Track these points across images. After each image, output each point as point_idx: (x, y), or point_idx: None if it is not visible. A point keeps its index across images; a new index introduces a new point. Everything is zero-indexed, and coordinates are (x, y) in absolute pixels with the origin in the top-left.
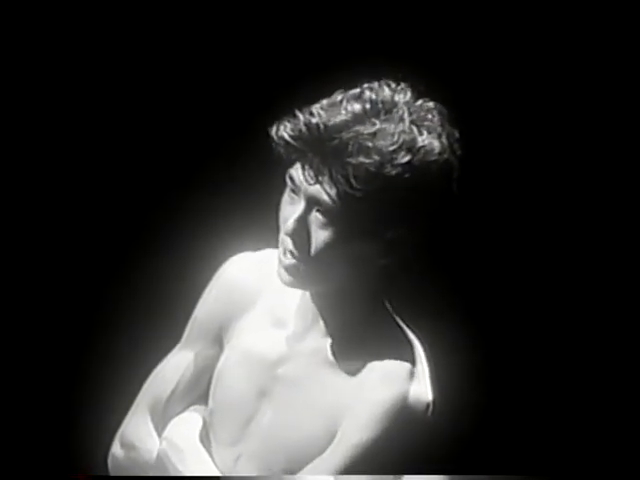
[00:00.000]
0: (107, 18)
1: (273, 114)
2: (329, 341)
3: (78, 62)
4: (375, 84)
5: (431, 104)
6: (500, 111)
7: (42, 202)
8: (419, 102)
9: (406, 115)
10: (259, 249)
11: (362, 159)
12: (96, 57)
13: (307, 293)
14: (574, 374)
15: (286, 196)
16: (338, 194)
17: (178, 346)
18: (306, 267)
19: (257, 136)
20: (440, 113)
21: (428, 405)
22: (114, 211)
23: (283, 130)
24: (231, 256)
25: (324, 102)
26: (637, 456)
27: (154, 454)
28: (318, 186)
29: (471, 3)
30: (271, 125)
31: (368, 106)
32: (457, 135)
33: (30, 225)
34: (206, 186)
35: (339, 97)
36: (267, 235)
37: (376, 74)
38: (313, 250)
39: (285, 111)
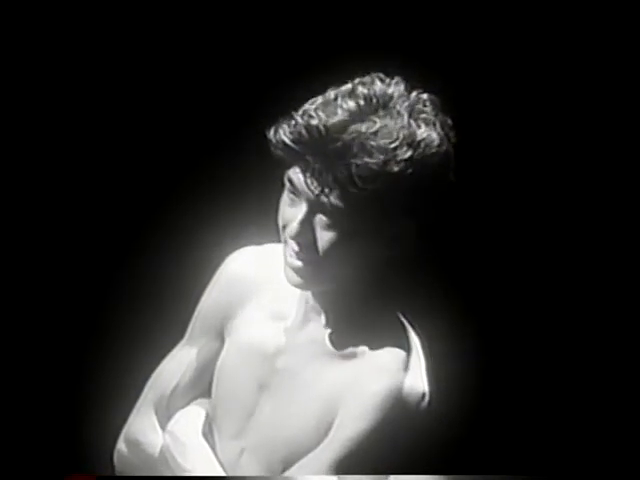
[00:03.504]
0: (104, 14)
1: (270, 110)
2: (327, 333)
3: (77, 59)
4: (367, 78)
5: (424, 95)
6: (492, 100)
7: (43, 200)
8: (413, 94)
9: (403, 109)
10: (260, 244)
11: (366, 159)
12: (94, 52)
13: None
14: (572, 372)
15: (285, 197)
16: (342, 195)
17: (182, 342)
18: (314, 268)
19: (255, 132)
20: (433, 103)
21: (423, 396)
22: (115, 209)
23: (282, 134)
24: (233, 252)
25: (318, 101)
26: (637, 456)
27: (158, 448)
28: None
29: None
30: (268, 123)
31: (362, 103)
32: (450, 122)
33: (31, 224)
34: (206, 183)
35: (332, 94)
36: (267, 230)
37: (366, 67)
38: (320, 251)
39: (280, 108)
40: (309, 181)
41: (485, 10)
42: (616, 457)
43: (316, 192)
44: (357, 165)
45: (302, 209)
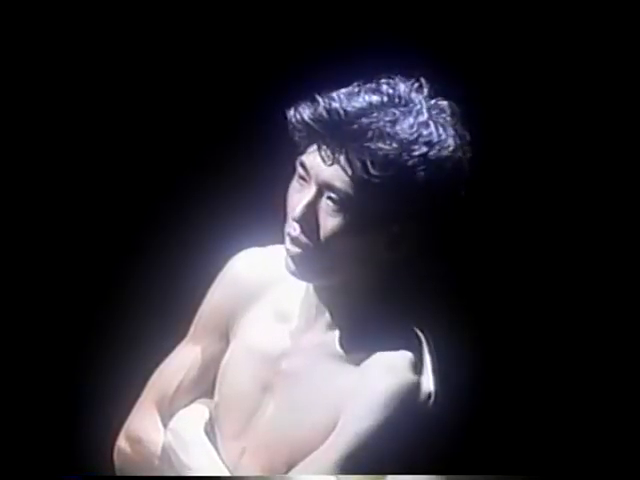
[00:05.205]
0: (107, 7)
1: (284, 108)
2: (332, 335)
3: (76, 55)
4: (391, 79)
5: (445, 103)
6: (509, 114)
7: (45, 199)
8: (434, 100)
9: (424, 109)
10: (266, 245)
11: (381, 145)
12: (93, 46)
13: (311, 287)
14: (574, 373)
15: (295, 183)
16: (352, 179)
17: (184, 341)
18: (313, 256)
19: (264, 133)
20: (453, 113)
21: (429, 396)
22: (118, 208)
23: (303, 112)
24: (238, 252)
25: (342, 91)
26: (637, 456)
27: (159, 446)
28: (332, 171)
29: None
30: (281, 120)
31: (386, 99)
32: (468, 137)
33: (32, 222)
34: (212, 182)
35: (356, 88)
36: (273, 232)
37: (391, 70)
38: (321, 237)
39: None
40: (323, 154)
41: (513, 25)
42: (616, 457)
43: (328, 163)
44: (371, 149)
45: (310, 192)
